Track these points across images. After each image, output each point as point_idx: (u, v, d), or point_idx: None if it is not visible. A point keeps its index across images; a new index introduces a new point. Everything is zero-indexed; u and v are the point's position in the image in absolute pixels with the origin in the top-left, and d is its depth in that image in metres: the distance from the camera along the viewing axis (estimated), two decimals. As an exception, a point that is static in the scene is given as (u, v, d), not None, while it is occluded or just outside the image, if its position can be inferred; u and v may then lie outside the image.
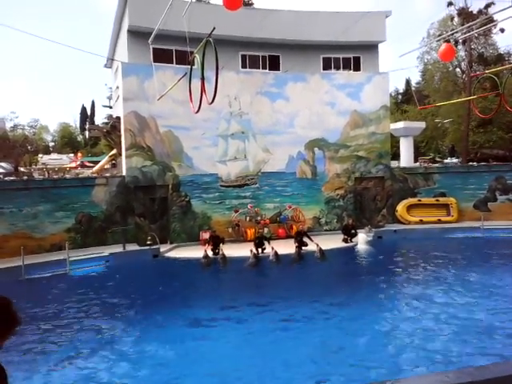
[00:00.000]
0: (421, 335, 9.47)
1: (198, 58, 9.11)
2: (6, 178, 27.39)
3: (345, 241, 20.03)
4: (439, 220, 23.25)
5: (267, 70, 23.30)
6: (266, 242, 18.28)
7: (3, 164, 36.87)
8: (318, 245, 17.75)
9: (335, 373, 7.87)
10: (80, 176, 29.60)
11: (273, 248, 17.60)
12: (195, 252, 18.30)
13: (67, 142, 76.01)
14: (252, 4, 40.59)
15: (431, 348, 8.74)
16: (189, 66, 10.09)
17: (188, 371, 8.20)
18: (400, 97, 68.09)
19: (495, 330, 9.56)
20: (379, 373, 7.75)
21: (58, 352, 9.13)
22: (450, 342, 9.00)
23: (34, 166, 46.38)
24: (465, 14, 34.55)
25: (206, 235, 19.92)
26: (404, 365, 8.08)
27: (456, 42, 34.21)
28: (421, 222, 23.05)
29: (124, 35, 21.90)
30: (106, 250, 17.93)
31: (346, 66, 24.35)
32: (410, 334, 9.56)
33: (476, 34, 34.76)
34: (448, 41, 13.80)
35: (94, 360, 8.75)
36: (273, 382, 7.75)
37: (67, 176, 31.41)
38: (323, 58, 24.09)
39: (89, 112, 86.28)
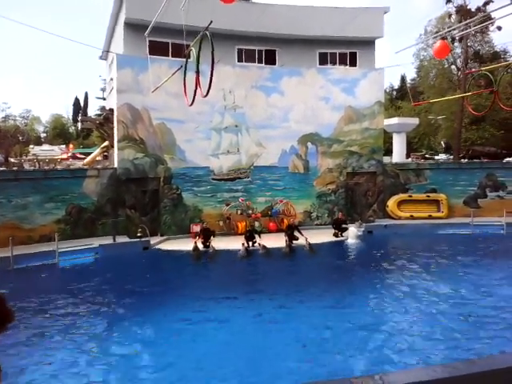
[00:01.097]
0: (407, 329, 9.51)
1: (194, 52, 9.05)
2: (-4, 169, 27.23)
3: (335, 235, 20.07)
4: (430, 216, 23.34)
5: (263, 64, 23.21)
6: (256, 236, 18.28)
7: (-6, 154, 36.63)
8: (306, 239, 17.81)
9: (319, 364, 7.88)
10: (71, 167, 29.43)
11: (260, 243, 17.69)
12: (186, 244, 18.26)
13: (59, 134, 75.66)
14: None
15: (417, 342, 8.78)
16: (184, 59, 10.04)
17: (174, 361, 8.20)
18: (395, 93, 68.31)
19: (480, 324, 9.63)
20: (365, 365, 7.78)
21: (44, 341, 9.08)
22: (435, 336, 9.04)
23: (24, 157, 46.15)
24: (463, 11, 34.58)
25: (196, 228, 19.90)
26: (391, 358, 8.09)
27: (453, 39, 34.27)
28: (411, 217, 23.15)
29: (120, 27, 21.72)
30: (95, 242, 17.79)
31: (342, 62, 24.29)
32: (396, 328, 9.60)
33: (473, 32, 34.77)
34: (444, 38, 13.75)
35: (78, 349, 8.71)
36: (254, 373, 7.75)
37: (58, 167, 31.25)
38: (319, 53, 24.02)
39: (82, 103, 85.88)
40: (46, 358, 8.32)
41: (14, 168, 28.04)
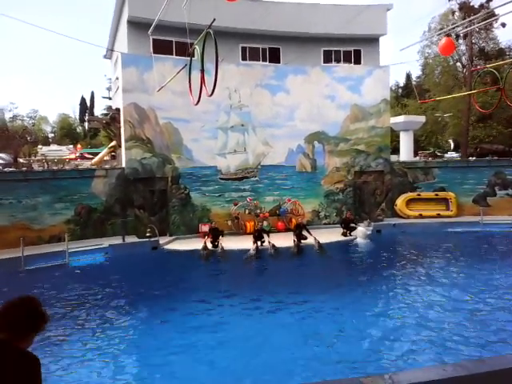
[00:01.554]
0: (416, 328, 9.51)
1: (197, 50, 9.10)
2: (6, 169, 27.44)
3: (344, 234, 20.06)
4: (438, 214, 23.27)
5: (267, 63, 23.22)
6: (265, 235, 18.31)
7: (2, 155, 36.95)
8: (315, 238, 17.82)
9: (326, 364, 7.91)
10: (79, 167, 29.59)
11: (270, 242, 17.70)
12: (194, 244, 18.32)
13: (66, 134, 75.99)
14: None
15: (427, 341, 8.79)
16: (189, 58, 10.07)
17: (187, 359, 8.26)
18: (400, 91, 68.06)
19: (489, 325, 9.60)
20: (376, 366, 7.79)
21: (55, 341, 9.16)
22: (445, 335, 9.04)
23: (33, 157, 46.44)
24: (466, 8, 34.45)
25: (205, 228, 19.98)
26: (403, 358, 8.11)
27: (457, 36, 34.12)
28: (420, 216, 23.09)
29: (124, 26, 21.80)
30: (105, 242, 17.91)
31: (347, 59, 24.25)
32: (405, 327, 9.60)
33: (477, 29, 34.62)
34: (449, 35, 13.73)
35: (91, 349, 8.79)
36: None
37: (66, 167, 31.43)
38: (324, 51, 23.98)
39: (88, 103, 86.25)
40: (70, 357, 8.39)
41: (23, 168, 28.22)
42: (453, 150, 46.06)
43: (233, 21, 20.88)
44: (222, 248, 17.70)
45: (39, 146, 56.32)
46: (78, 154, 51.25)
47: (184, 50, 17.64)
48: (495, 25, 35.98)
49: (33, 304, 2.87)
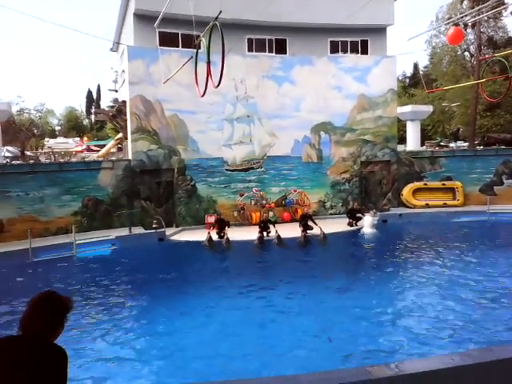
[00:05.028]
0: (421, 317, 9.52)
1: (204, 42, 9.08)
2: (13, 162, 27.58)
3: (350, 224, 20.04)
4: (445, 204, 23.15)
5: (273, 54, 23.09)
6: (271, 226, 18.33)
7: (10, 148, 37.06)
8: (321, 228, 17.83)
9: (330, 355, 7.92)
10: (86, 160, 29.68)
11: (276, 231, 17.71)
12: (201, 235, 18.34)
13: (73, 126, 75.95)
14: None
15: (433, 330, 8.78)
16: (195, 50, 10.06)
17: (192, 348, 8.32)
18: (408, 80, 67.59)
19: (495, 314, 9.59)
20: (380, 355, 7.80)
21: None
22: (452, 324, 9.04)
23: (40, 150, 46.63)
24: (475, -3, 34.01)
25: (211, 219, 20.01)
26: (406, 347, 8.11)
27: (465, 26, 33.71)
28: (426, 205, 22.98)
29: (130, 19, 21.75)
30: (112, 234, 17.97)
31: (354, 50, 24.06)
32: (411, 316, 9.61)
33: (486, 18, 34.19)
34: (457, 24, 13.60)
35: (99, 338, 8.87)
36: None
37: (73, 160, 31.55)
38: (330, 42, 23.78)
39: (94, 96, 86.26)
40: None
41: (31, 161, 28.36)
42: (458, 140, 45.67)
43: (239, 12, 20.72)
44: (227, 239, 17.73)
45: (46, 139, 56.50)
46: (84, 147, 51.39)
47: (190, 43, 17.63)
48: (504, 13, 35.53)
49: (57, 297, 2.93)
